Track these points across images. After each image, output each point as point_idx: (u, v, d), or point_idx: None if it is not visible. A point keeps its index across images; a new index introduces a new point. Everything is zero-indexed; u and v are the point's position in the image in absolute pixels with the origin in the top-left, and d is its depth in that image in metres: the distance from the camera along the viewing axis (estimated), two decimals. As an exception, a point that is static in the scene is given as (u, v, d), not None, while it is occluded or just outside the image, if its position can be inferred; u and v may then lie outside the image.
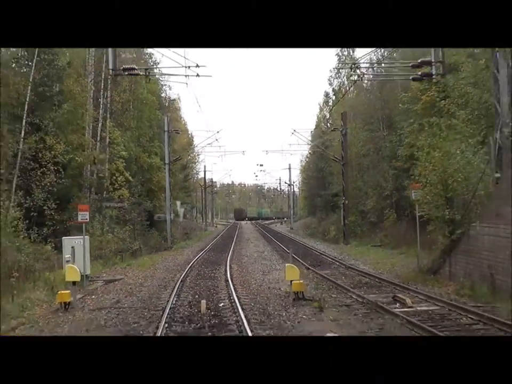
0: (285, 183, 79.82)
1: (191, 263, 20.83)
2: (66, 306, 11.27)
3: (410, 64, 16.82)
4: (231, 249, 28.17)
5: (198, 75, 18.01)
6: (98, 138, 28.36)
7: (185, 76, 17.81)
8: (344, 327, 9.09)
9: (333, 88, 50.19)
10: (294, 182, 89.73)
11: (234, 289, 13.42)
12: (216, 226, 75.98)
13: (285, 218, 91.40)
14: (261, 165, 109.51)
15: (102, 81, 29.67)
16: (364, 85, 36.61)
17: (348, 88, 36.61)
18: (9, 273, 12.64)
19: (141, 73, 18.10)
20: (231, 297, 12.21)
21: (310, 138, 55.28)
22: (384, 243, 26.90)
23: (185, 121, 66.92)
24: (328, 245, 31.50)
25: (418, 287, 13.34)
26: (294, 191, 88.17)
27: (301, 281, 12.00)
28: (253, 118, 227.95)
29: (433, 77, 16.74)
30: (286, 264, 12.55)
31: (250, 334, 8.13)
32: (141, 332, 9.00)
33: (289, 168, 66.04)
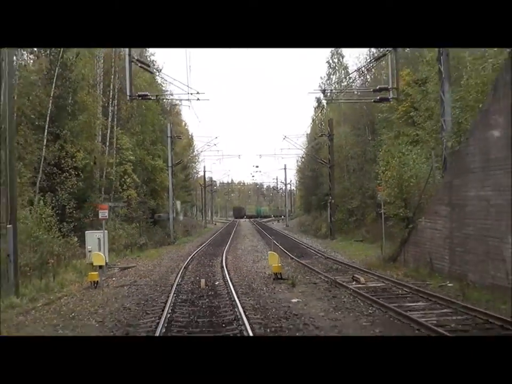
0: (281, 182, 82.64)
1: (192, 255, 23.94)
2: (95, 285, 14.33)
3: (371, 89, 19.97)
4: (228, 244, 31.29)
5: (198, 99, 21.97)
6: (108, 143, 31.51)
7: (188, 99, 21.56)
8: (307, 296, 12.19)
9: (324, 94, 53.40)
10: (290, 181, 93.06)
11: (228, 273, 16.50)
12: (215, 224, 79.04)
13: (282, 216, 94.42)
14: (257, 166, 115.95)
15: (111, 91, 32.83)
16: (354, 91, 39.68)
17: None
18: (47, 260, 15.73)
19: (152, 98, 21.52)
20: (225, 278, 15.30)
21: (305, 140, 58.58)
22: (365, 238, 30.01)
23: (186, 123, 70.20)
24: (317, 240, 34.64)
25: (377, 271, 16.40)
26: (290, 190, 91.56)
27: (280, 264, 15.07)
28: (248, 123, 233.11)
29: (390, 100, 19.85)
30: (269, 252, 15.63)
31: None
32: (156, 299, 12.05)
33: (285, 169, 69.53)
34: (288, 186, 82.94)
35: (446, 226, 14.15)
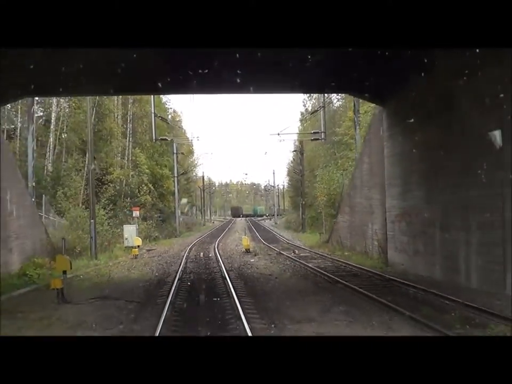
0: (270, 185, 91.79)
1: (194, 242, 33.28)
2: (136, 257, 23.59)
3: (311, 132, 29.48)
4: (221, 236, 40.66)
5: (198, 139, 31.24)
6: (127, 159, 40.91)
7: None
8: (260, 259, 21.49)
9: (306, 109, 62.89)
10: (283, 182, 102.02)
11: (217, 251, 25.81)
12: (213, 222, 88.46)
13: (276, 215, 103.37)
14: (246, 174, 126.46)
15: (129, 117, 42.26)
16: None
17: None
18: (104, 243, 25.03)
19: (169, 139, 30.99)
20: (215, 253, 24.61)
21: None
22: (325, 230, 39.45)
23: (185, 130, 79.47)
24: (291, 233, 44.02)
25: (313, 249, 25.69)
26: (283, 190, 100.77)
27: (248, 244, 24.41)
28: (237, 134, 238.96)
29: (320, 139, 29.29)
30: (242, 236, 24.99)
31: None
32: (173, 268, 21.22)
33: (273, 174, 78.45)
34: (282, 186, 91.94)
35: (348, 219, 23.47)
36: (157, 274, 17.33)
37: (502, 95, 10.37)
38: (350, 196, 23.32)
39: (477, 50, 9.35)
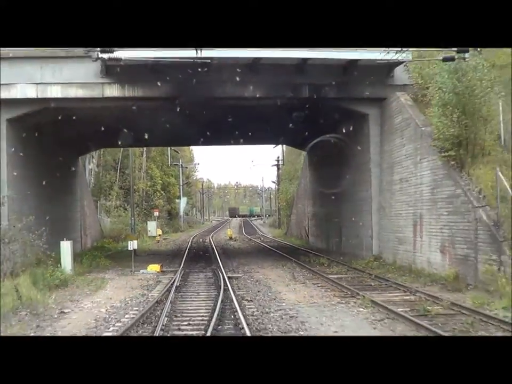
0: (260, 190, 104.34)
1: (195, 235, 46.15)
2: (158, 242, 36.33)
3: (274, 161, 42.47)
4: (216, 231, 53.50)
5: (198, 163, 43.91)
6: (144, 172, 53.73)
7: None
8: (239, 243, 34.35)
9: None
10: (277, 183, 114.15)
11: (211, 239, 38.58)
12: (211, 222, 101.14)
13: (267, 215, 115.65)
14: (237, 183, 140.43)
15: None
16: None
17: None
18: (137, 233, 37.83)
19: (179, 164, 43.96)
20: (211, 242, 37.44)
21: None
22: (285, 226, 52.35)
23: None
24: (269, 229, 56.86)
25: (275, 238, 38.48)
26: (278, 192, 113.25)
27: (231, 233, 37.30)
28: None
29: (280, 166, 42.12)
30: (227, 229, 37.90)
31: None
32: (184, 246, 33.87)
33: (262, 180, 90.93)
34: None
35: (294, 219, 36.28)
36: (175, 248, 30.17)
37: (359, 148, 22.31)
38: (296, 203, 36.13)
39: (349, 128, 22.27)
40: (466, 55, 13.78)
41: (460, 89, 13.62)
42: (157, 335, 7.97)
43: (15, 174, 16.87)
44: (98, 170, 45.12)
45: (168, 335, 8.28)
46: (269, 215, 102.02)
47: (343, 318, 9.48)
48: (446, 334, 7.60)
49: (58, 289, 13.08)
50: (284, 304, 11.07)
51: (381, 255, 18.49)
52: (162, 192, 53.48)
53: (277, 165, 55.88)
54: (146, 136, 22.70)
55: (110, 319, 9.77)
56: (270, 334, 8.18)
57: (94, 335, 8.26)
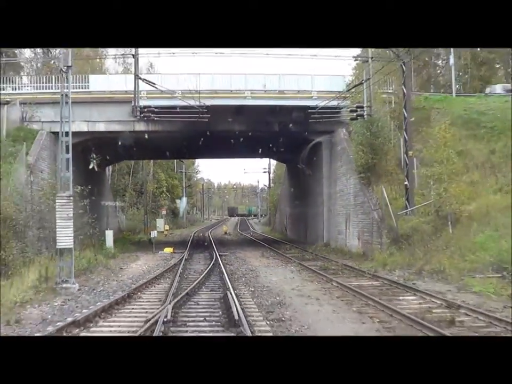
0: (256, 191, 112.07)
1: (196, 231, 53.86)
2: (166, 235, 44.00)
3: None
4: (214, 228, 61.27)
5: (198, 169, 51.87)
6: (151, 175, 61.49)
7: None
8: (233, 237, 42.17)
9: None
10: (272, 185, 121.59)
11: (210, 234, 46.30)
12: (211, 220, 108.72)
13: (262, 215, 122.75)
14: (234, 185, 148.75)
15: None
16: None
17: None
18: (149, 228, 45.55)
19: (183, 171, 51.89)
20: (209, 235, 45.15)
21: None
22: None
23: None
24: (261, 226, 64.61)
25: (263, 233, 46.20)
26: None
27: (227, 229, 45.07)
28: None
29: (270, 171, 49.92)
30: (223, 226, 45.67)
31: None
32: (187, 239, 41.50)
33: (258, 182, 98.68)
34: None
35: (278, 218, 43.97)
36: (181, 240, 37.89)
37: (317, 165, 29.92)
38: (279, 205, 43.82)
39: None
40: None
41: (367, 134, 21.31)
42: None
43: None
44: (113, 175, 52.89)
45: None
46: (265, 215, 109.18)
47: (277, 271, 17.28)
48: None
49: (111, 259, 20.79)
50: (250, 266, 18.83)
51: (329, 242, 26.21)
52: (167, 193, 61.18)
53: (268, 171, 63.74)
54: (159, 153, 30.47)
55: (150, 270, 17.54)
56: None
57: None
